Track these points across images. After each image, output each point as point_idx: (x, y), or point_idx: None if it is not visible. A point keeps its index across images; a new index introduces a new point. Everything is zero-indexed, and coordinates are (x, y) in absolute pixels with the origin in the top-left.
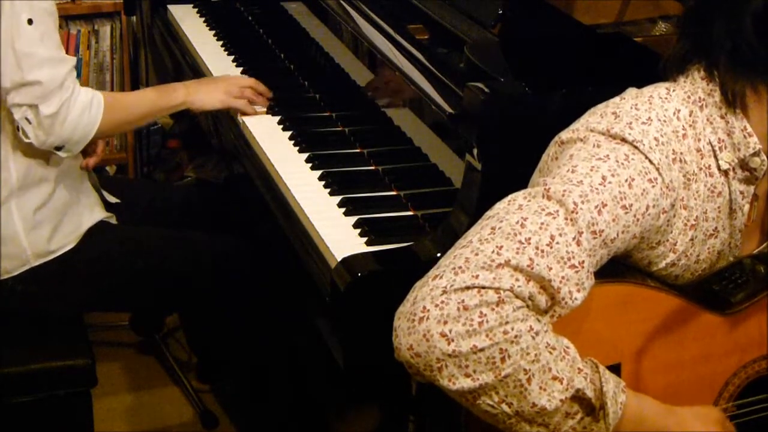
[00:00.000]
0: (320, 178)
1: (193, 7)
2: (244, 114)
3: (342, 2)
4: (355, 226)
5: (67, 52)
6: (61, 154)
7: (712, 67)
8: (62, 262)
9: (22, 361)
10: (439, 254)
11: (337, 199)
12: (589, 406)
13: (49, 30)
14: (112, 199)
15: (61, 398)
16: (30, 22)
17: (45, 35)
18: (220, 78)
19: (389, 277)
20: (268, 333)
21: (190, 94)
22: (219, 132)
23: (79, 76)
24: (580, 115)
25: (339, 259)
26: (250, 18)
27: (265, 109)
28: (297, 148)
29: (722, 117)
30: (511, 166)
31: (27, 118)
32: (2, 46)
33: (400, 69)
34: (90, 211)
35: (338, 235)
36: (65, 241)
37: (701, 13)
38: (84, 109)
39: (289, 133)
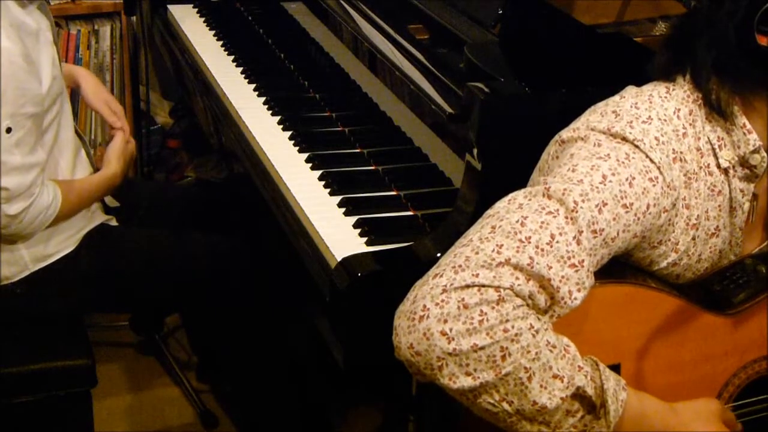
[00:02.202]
0: (320, 178)
1: (193, 7)
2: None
3: (342, 2)
4: (355, 226)
5: (67, 52)
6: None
7: (696, 77)
8: (62, 265)
9: (22, 361)
10: (439, 254)
11: (337, 199)
12: (590, 404)
13: (26, 134)
14: (113, 203)
15: (61, 398)
16: (8, 130)
17: (21, 141)
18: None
19: (389, 277)
20: (268, 333)
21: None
22: (219, 132)
23: None
24: (580, 115)
25: (339, 259)
26: (250, 18)
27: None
28: (297, 148)
29: (720, 116)
30: (511, 166)
31: None
32: None
33: (400, 69)
34: (89, 215)
35: (338, 235)
36: (64, 245)
37: (685, 26)
38: (41, 213)
39: (289, 133)
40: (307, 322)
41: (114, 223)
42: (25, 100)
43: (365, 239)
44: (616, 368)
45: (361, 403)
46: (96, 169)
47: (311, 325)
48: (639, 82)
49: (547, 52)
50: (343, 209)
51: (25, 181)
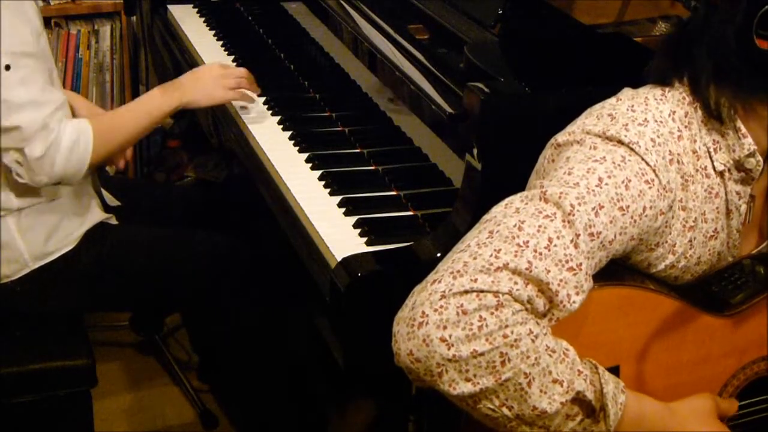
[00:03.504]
0: (320, 178)
1: (193, 7)
2: (242, 104)
3: (342, 2)
4: (355, 226)
5: (67, 52)
6: (60, 185)
7: (694, 83)
8: (62, 264)
9: (22, 361)
10: (439, 254)
11: (337, 199)
12: (590, 408)
13: (32, 72)
14: (113, 202)
15: (61, 398)
16: (7, 67)
17: (26, 79)
18: (212, 69)
19: (389, 277)
20: (268, 332)
21: (185, 94)
22: (219, 132)
23: (79, 76)
24: (577, 118)
25: (339, 259)
26: (250, 18)
27: (255, 98)
28: (297, 148)
29: (718, 121)
30: (511, 166)
31: (17, 161)
32: None
33: (400, 69)
34: (89, 213)
35: (338, 235)
36: (64, 243)
37: (684, 31)
38: (72, 148)
39: (289, 133)
40: (307, 322)
41: (114, 221)
42: (18, 39)
43: (365, 239)
44: (615, 370)
45: (361, 403)
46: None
47: (311, 325)
48: (639, 83)
49: (547, 52)
50: (343, 209)
51: (38, 117)
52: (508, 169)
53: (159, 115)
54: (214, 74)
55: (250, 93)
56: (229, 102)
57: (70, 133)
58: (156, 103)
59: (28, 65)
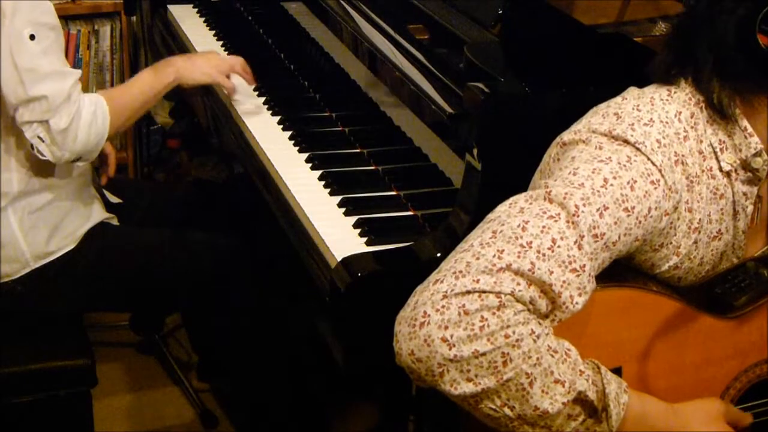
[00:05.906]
0: (320, 178)
1: (193, 7)
2: (229, 92)
3: (342, 2)
4: (355, 226)
5: (67, 52)
6: (79, 164)
7: (697, 78)
8: (62, 263)
9: (22, 361)
10: (439, 254)
11: (337, 199)
12: (592, 408)
13: (53, 44)
14: (114, 199)
15: (61, 398)
16: (32, 37)
17: (48, 50)
18: (210, 53)
19: (389, 277)
20: (268, 333)
21: (179, 70)
22: (219, 132)
23: None
24: (580, 115)
25: (339, 259)
26: (250, 18)
27: (251, 89)
28: (297, 148)
29: (723, 118)
30: (511, 166)
31: (39, 137)
32: (4, 63)
33: (400, 69)
34: (91, 213)
35: (338, 235)
36: (65, 242)
37: (685, 26)
38: (92, 119)
39: (289, 133)
40: (307, 322)
41: (115, 222)
42: (40, 9)
43: (365, 239)
44: (617, 372)
45: (361, 403)
46: (95, 169)
47: (311, 325)
48: (639, 83)
49: (547, 52)
50: (343, 209)
51: (63, 87)
52: (508, 169)
53: (158, 89)
54: (208, 56)
55: (241, 85)
56: (219, 83)
57: (88, 105)
58: (153, 77)
59: (49, 37)
